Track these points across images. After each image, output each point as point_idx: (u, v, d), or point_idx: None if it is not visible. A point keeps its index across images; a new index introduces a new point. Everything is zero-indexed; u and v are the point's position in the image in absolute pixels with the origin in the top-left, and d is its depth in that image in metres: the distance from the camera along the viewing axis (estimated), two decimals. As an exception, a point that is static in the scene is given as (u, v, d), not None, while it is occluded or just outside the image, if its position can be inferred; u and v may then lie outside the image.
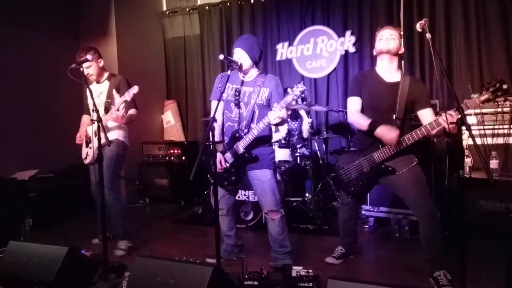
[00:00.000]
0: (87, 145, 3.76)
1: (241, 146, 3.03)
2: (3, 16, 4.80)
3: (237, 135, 3.07)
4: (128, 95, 3.41)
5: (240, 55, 3.05)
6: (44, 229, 4.34)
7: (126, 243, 3.66)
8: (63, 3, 5.57)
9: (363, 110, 2.95)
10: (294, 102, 2.94)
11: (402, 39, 2.96)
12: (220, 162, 3.06)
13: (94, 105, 2.97)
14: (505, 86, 2.40)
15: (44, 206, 4.48)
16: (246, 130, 3.04)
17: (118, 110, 3.48)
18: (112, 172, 3.60)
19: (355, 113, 2.95)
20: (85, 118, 3.91)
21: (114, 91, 3.64)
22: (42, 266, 2.70)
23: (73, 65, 3.38)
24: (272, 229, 3.14)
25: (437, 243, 2.78)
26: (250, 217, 4.22)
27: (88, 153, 3.74)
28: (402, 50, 2.92)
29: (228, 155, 3.09)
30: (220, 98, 2.91)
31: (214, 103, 3.17)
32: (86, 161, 3.77)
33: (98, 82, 3.74)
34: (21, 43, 4.96)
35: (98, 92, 3.68)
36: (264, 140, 3.12)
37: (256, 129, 2.95)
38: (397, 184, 2.86)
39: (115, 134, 3.67)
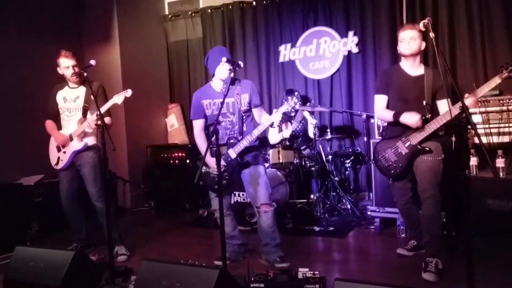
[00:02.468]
0: (58, 150, 3.68)
1: (234, 152, 3.16)
2: (6, 22, 4.83)
3: (231, 141, 3.19)
4: (118, 99, 3.39)
5: (228, 66, 3.07)
6: (50, 234, 4.35)
7: (123, 248, 3.61)
8: (65, 8, 5.60)
9: (388, 106, 3.23)
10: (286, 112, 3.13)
11: (421, 33, 3.04)
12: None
13: (98, 109, 2.98)
14: None
15: (50, 211, 4.48)
16: (240, 137, 3.19)
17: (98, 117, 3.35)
18: (100, 180, 3.59)
19: (381, 109, 3.25)
20: (51, 123, 3.77)
21: (91, 97, 3.55)
22: (49, 271, 2.70)
23: (77, 70, 3.45)
24: (264, 222, 3.23)
25: (434, 226, 2.99)
26: (255, 219, 4.19)
27: (61, 158, 3.67)
28: (423, 46, 3.12)
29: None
30: (224, 100, 2.96)
31: (196, 123, 3.38)
32: (58, 166, 3.68)
33: (76, 84, 3.68)
34: (23, 49, 4.98)
35: (74, 96, 3.66)
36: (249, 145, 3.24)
37: (251, 136, 3.10)
38: (419, 166, 3.06)
39: (93, 140, 3.64)
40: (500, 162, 3.58)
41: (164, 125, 6.44)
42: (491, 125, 3.85)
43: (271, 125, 3.10)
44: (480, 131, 3.82)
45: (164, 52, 6.56)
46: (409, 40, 3.07)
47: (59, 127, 3.73)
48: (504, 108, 3.81)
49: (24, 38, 4.99)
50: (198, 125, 3.38)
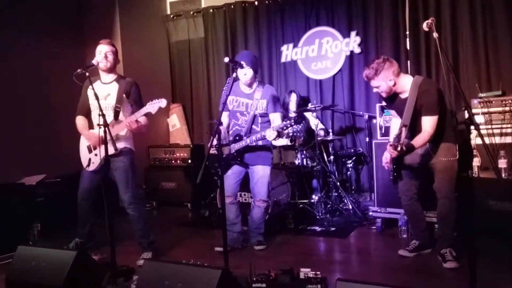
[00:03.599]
0: (90, 151, 3.52)
1: (233, 148, 3.51)
2: (8, 23, 4.83)
3: (237, 137, 3.53)
4: (152, 108, 3.22)
5: (247, 71, 3.44)
6: (52, 233, 4.35)
7: (150, 255, 3.50)
8: (67, 9, 5.60)
9: None
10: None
11: (381, 74, 3.03)
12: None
13: (101, 109, 2.94)
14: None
15: (52, 210, 4.48)
16: (245, 136, 3.51)
17: (136, 121, 3.27)
18: (135, 185, 3.49)
19: (392, 125, 3.49)
20: (80, 120, 3.58)
21: (124, 96, 3.43)
22: (51, 271, 2.70)
23: (78, 70, 3.39)
24: (255, 214, 3.66)
25: (449, 223, 3.12)
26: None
27: (92, 160, 3.49)
28: (391, 83, 3.06)
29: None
30: (226, 100, 3.16)
31: (223, 114, 3.62)
32: (90, 168, 3.50)
33: (107, 76, 3.48)
34: (26, 50, 4.98)
35: (105, 93, 3.41)
36: (264, 144, 3.58)
37: (250, 139, 3.44)
38: (435, 167, 3.15)
39: (124, 143, 3.45)
40: (502, 163, 3.56)
41: (166, 125, 6.45)
42: (493, 126, 3.84)
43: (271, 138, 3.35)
44: (482, 131, 3.81)
45: (166, 52, 6.56)
46: (377, 90, 3.16)
47: (91, 125, 3.55)
48: (507, 108, 3.80)
49: (25, 39, 4.98)
50: (224, 115, 3.67)
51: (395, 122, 3.41)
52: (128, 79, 3.52)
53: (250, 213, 3.72)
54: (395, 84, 3.07)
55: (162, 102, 3.21)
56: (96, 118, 3.40)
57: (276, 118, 3.56)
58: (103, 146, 3.23)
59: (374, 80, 3.09)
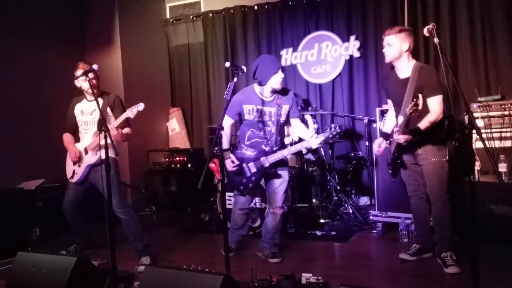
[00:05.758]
0: (74, 163, 3.65)
1: (267, 161, 3.29)
2: (9, 29, 4.82)
3: (267, 149, 3.32)
4: (131, 113, 3.31)
5: (281, 75, 3.27)
6: (51, 238, 4.34)
7: (148, 259, 3.52)
8: (67, 14, 5.59)
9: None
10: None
11: (403, 34, 3.02)
12: (233, 161, 3.30)
13: (101, 115, 2.94)
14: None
15: (51, 215, 4.47)
16: (276, 147, 3.34)
17: (117, 128, 3.35)
18: (119, 191, 3.56)
19: (387, 116, 3.48)
20: (67, 136, 3.73)
21: (108, 109, 3.55)
22: (51, 277, 2.69)
23: (79, 73, 3.41)
24: (269, 222, 3.45)
25: (445, 225, 3.11)
26: (257, 224, 4.18)
27: (76, 171, 3.63)
28: (405, 48, 3.03)
29: (252, 165, 3.33)
30: (228, 105, 2.96)
31: (227, 119, 3.37)
32: (73, 180, 3.64)
33: (93, 97, 3.51)
34: (26, 55, 4.98)
35: (91, 109, 3.60)
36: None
37: (288, 151, 3.30)
38: (425, 169, 3.14)
39: (109, 153, 3.48)
40: (502, 167, 3.57)
41: (165, 129, 6.44)
42: (493, 130, 3.85)
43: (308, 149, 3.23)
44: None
45: (166, 56, 6.56)
46: (386, 46, 3.07)
47: (78, 141, 3.69)
48: (506, 112, 3.81)
49: (25, 45, 4.98)
50: (228, 122, 3.39)
51: (390, 115, 3.40)
52: (112, 94, 3.67)
53: (264, 222, 3.57)
54: (401, 54, 3.03)
55: (140, 106, 3.32)
56: (83, 133, 3.65)
57: (297, 123, 3.46)
58: (85, 157, 3.55)
59: (392, 36, 3.01)
